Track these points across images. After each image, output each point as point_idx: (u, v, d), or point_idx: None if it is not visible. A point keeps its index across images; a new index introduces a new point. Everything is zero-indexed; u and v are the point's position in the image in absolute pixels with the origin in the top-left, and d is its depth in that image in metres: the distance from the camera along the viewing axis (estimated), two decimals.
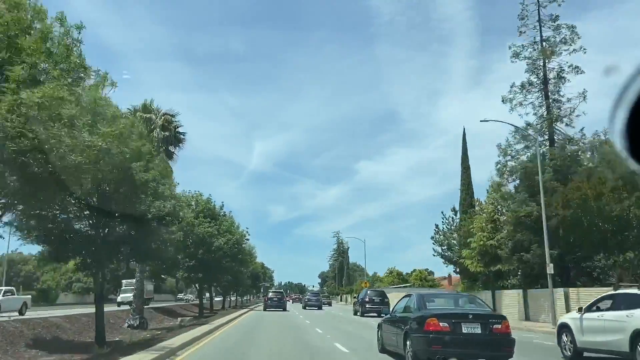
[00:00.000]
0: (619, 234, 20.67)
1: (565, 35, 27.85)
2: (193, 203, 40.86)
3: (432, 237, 35.37)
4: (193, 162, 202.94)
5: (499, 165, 28.72)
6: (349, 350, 13.93)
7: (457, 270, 35.60)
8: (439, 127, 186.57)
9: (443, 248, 34.41)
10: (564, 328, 12.71)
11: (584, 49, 27.77)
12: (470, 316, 10.13)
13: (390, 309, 16.38)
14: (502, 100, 28.44)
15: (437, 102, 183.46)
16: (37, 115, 10.42)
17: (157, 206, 16.39)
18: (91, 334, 19.55)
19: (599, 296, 12.65)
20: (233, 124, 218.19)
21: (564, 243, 24.02)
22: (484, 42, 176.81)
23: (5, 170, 11.07)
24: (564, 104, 27.65)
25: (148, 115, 26.95)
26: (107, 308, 36.21)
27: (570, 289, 23.25)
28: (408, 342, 10.42)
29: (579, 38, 27.69)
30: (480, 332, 9.82)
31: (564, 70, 27.83)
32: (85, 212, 17.26)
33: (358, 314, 36.96)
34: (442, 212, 35.77)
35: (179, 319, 35.71)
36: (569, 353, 12.33)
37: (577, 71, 27.43)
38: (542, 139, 27.71)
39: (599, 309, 11.80)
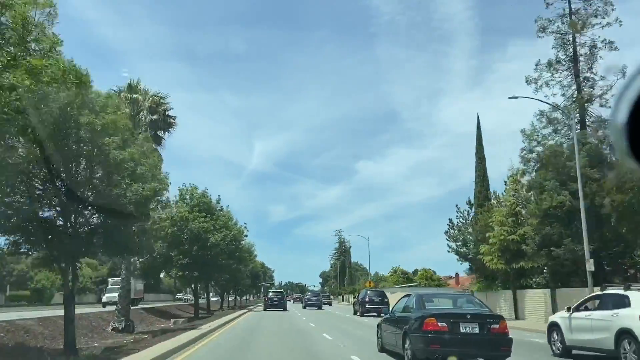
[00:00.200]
0: None
1: (598, 7, 25.19)
2: (188, 197, 38.32)
3: (445, 232, 32.72)
4: (193, 161, 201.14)
5: (523, 152, 26.15)
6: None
7: (472, 267, 32.91)
8: (439, 127, 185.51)
9: (458, 244, 31.73)
10: (553, 326, 13.19)
11: (620, 22, 25.05)
12: (469, 316, 10.21)
13: (390, 309, 16.29)
14: (526, 81, 25.89)
15: (437, 102, 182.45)
16: None
17: (134, 190, 13.77)
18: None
19: (587, 296, 13.38)
20: (233, 123, 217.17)
21: (598, 237, 21.38)
22: (484, 42, 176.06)
23: None
24: (597, 82, 25.02)
25: (134, 96, 24.33)
26: (92, 309, 33.75)
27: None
28: (407, 342, 10.47)
29: (613, 10, 25.03)
30: (478, 331, 9.90)
31: (596, 45, 25.20)
32: (54, 199, 14.71)
33: (358, 313, 36.87)
34: (456, 206, 33.12)
35: (172, 320, 33.13)
36: (559, 351, 12.80)
37: (611, 47, 24.77)
38: (570, 123, 25.01)
39: (587, 309, 12.27)
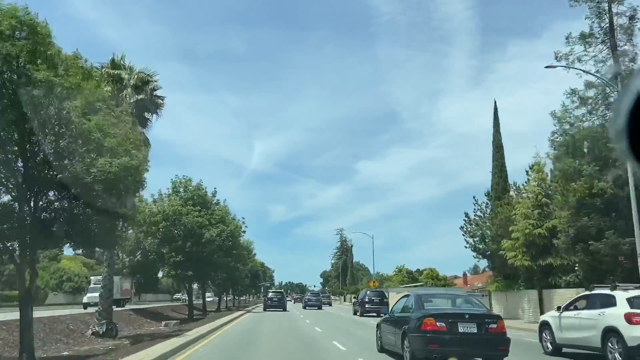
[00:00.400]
0: None
1: None
2: (181, 190, 35.71)
3: (461, 228, 29.98)
4: (193, 161, 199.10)
5: (555, 135, 23.51)
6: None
7: (490, 265, 30.21)
8: (439, 127, 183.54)
9: (475, 240, 29.04)
10: (544, 325, 13.57)
11: None
12: (467, 316, 10.28)
13: (389, 309, 16.26)
14: (556, 57, 23.18)
15: (437, 102, 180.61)
16: None
17: (100, 165, 11.12)
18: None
19: (576, 296, 13.77)
20: (233, 124, 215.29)
21: None
22: (485, 42, 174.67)
23: None
24: (638, 55, 22.33)
25: (116, 72, 21.65)
26: (76, 310, 31.08)
27: None
28: (406, 342, 10.49)
29: None
30: (476, 331, 9.97)
31: (636, 15, 22.51)
32: (10, 181, 12.08)
33: (358, 313, 36.91)
34: (474, 197, 30.36)
35: (164, 322, 30.40)
36: (549, 349, 13.18)
37: None
38: (607, 102, 22.38)
39: (576, 308, 12.64)
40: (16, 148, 12.12)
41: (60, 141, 11.34)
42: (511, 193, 29.50)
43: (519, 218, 24.46)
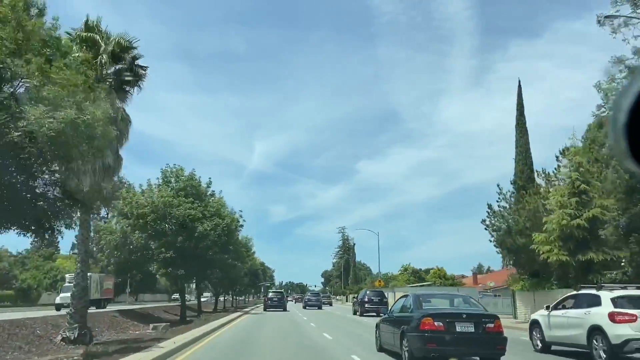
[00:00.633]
0: None
1: None
2: (172, 180, 32.68)
3: (482, 221, 26.79)
4: (193, 162, 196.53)
5: (601, 109, 20.47)
6: None
7: (515, 261, 27.07)
8: (439, 127, 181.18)
9: (499, 234, 25.89)
10: (534, 324, 14.32)
11: None
12: (464, 316, 10.42)
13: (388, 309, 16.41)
14: (598, 21, 20.11)
15: (437, 101, 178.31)
16: None
17: (38, 114, 8.08)
18: None
19: (564, 296, 14.51)
20: (233, 124, 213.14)
21: None
22: (485, 42, 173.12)
23: None
24: None
25: (89, 34, 18.55)
26: (50, 312, 28.05)
27: None
28: (404, 341, 10.60)
29: None
30: (473, 330, 10.10)
31: None
32: None
33: (357, 313, 37.20)
34: (498, 186, 27.16)
35: (152, 325, 27.29)
36: (539, 346, 13.87)
37: None
38: None
39: (564, 307, 13.32)
40: None
41: None
42: (538, 181, 26.42)
43: (554, 207, 21.38)
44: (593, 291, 12.44)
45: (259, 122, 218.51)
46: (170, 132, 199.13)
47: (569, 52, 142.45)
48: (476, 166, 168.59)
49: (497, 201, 26.68)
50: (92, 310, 31.45)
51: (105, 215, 37.26)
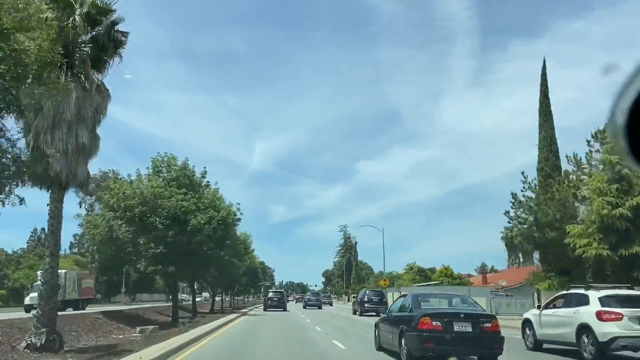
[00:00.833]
0: None
1: None
2: (164, 169, 30.18)
3: (505, 213, 24.13)
4: (193, 162, 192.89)
5: None
6: None
7: (542, 257, 24.44)
8: (439, 127, 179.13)
9: (524, 227, 23.24)
10: (526, 323, 14.63)
11: None
12: (462, 315, 10.52)
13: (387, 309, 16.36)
14: None
15: (437, 101, 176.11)
16: None
17: None
18: None
19: (554, 295, 15.09)
20: (233, 124, 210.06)
21: None
22: (485, 42, 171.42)
23: None
24: None
25: None
26: (16, 314, 25.15)
27: None
28: (403, 340, 10.73)
29: None
30: (471, 330, 10.17)
31: None
32: None
33: (357, 313, 37.42)
34: (522, 173, 24.47)
35: (139, 328, 24.73)
36: (531, 344, 14.15)
37: None
38: None
39: (555, 306, 13.66)
40: None
41: None
42: (566, 167, 23.84)
43: (592, 195, 18.80)
44: (582, 291, 12.85)
45: (259, 122, 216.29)
46: (170, 132, 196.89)
47: (569, 52, 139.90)
48: (476, 166, 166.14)
49: (522, 190, 24.06)
50: (69, 312, 28.90)
51: (85, 204, 34.47)
